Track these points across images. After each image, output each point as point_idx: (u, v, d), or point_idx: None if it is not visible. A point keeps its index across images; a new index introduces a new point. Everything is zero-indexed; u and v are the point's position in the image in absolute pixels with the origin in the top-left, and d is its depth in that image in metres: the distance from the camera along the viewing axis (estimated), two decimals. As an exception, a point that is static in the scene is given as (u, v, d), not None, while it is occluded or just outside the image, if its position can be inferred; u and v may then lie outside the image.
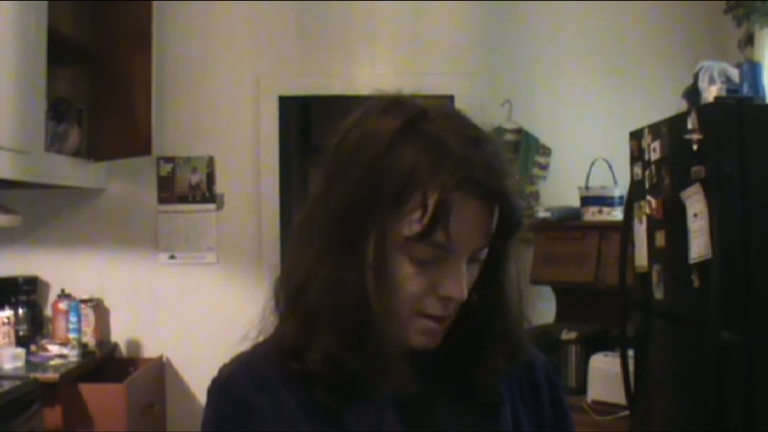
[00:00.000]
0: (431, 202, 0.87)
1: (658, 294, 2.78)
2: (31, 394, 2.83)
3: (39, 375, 3.02)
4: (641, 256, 2.91)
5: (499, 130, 3.90)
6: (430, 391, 0.96)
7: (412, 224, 0.88)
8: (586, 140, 3.87)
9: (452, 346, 0.97)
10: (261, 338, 1.00)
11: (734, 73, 2.80)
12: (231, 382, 0.96)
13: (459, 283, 0.90)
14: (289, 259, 0.98)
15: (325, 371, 0.90)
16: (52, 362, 3.26)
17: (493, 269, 0.96)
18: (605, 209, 3.54)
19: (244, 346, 1.01)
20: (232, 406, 0.94)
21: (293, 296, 0.95)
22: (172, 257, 3.90)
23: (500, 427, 0.97)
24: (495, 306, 0.96)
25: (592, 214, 3.57)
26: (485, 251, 0.93)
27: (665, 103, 3.20)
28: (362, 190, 0.90)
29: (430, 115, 0.92)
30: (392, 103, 0.95)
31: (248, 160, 3.92)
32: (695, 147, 2.45)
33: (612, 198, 3.55)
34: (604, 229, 3.46)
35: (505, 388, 1.00)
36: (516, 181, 0.92)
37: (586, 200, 3.61)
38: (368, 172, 0.90)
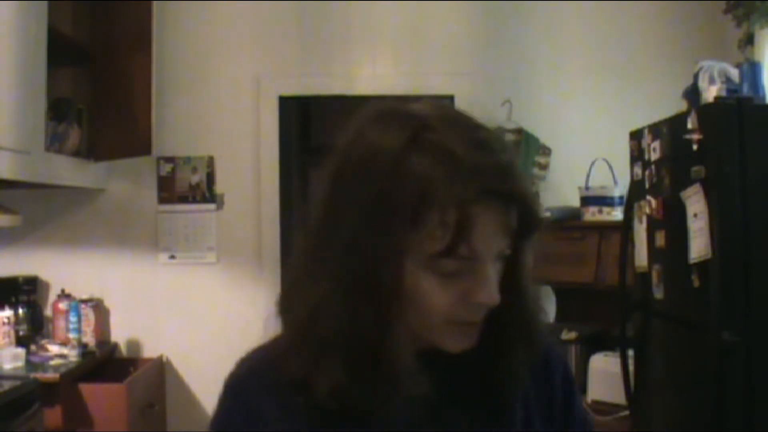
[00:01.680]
0: (451, 219, 0.84)
1: (658, 294, 2.78)
2: (31, 394, 2.83)
3: (39, 375, 3.02)
4: (641, 256, 2.91)
5: (499, 130, 3.89)
6: (441, 390, 0.95)
7: (433, 242, 0.86)
8: (586, 140, 3.88)
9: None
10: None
11: (734, 73, 2.80)
12: (242, 387, 0.95)
13: (489, 289, 0.89)
14: (295, 283, 0.95)
15: (331, 405, 0.89)
16: (52, 362, 3.26)
17: (512, 265, 0.94)
18: (605, 209, 3.54)
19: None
20: (239, 412, 0.94)
21: (303, 327, 0.92)
22: (172, 257, 3.90)
23: (510, 426, 0.97)
24: (515, 301, 0.95)
25: (592, 214, 3.58)
26: (508, 248, 0.92)
27: (665, 103, 3.19)
28: (376, 214, 0.87)
29: (432, 123, 0.89)
30: (391, 115, 0.91)
31: (248, 160, 3.92)
32: (695, 147, 2.45)
33: (612, 198, 3.55)
34: (604, 229, 3.46)
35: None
36: (528, 178, 0.91)
37: (586, 200, 3.62)
38: (380, 194, 0.86)
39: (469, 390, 0.97)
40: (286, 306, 0.96)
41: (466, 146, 0.86)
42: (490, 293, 0.89)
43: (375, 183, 0.87)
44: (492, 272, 0.89)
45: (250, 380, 0.95)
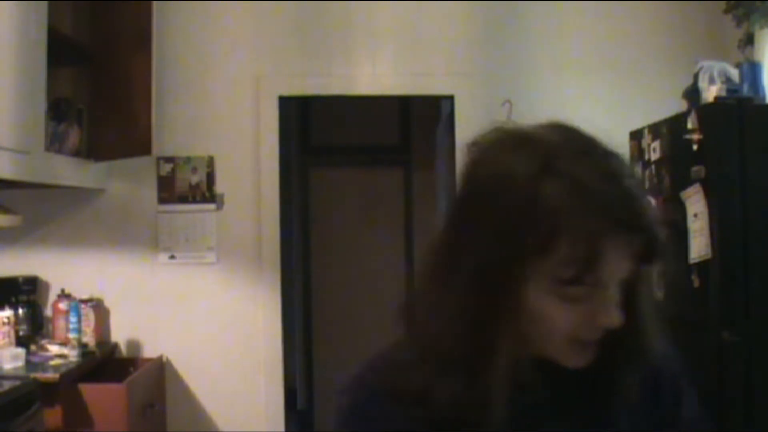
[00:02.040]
0: (580, 249, 0.86)
1: (658, 294, 2.77)
2: (31, 394, 2.82)
3: (39, 375, 3.01)
4: (641, 256, 2.90)
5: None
6: (550, 399, 0.97)
7: (561, 269, 0.88)
8: (586, 140, 3.87)
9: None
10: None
11: (734, 73, 2.80)
12: (365, 391, 0.99)
13: (612, 313, 0.91)
14: (420, 297, 0.99)
15: (450, 416, 0.92)
16: (52, 362, 3.26)
17: (632, 286, 0.96)
18: (605, 209, 3.54)
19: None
20: (361, 415, 0.98)
21: (426, 343, 0.95)
22: (172, 257, 3.90)
23: (615, 428, 1.00)
24: (631, 321, 0.96)
25: (592, 214, 3.57)
26: (631, 273, 0.94)
27: (665, 103, 3.20)
28: (506, 240, 0.89)
29: (562, 151, 0.90)
30: (520, 140, 0.93)
31: (248, 160, 3.92)
32: (695, 147, 2.45)
33: (612, 198, 3.55)
34: (604, 229, 3.45)
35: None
36: (654, 208, 0.92)
37: (586, 200, 3.61)
38: (511, 220, 0.88)
39: (576, 400, 0.99)
40: (409, 318, 0.99)
41: (597, 177, 0.88)
42: (612, 317, 0.91)
43: (505, 209, 0.89)
44: (615, 297, 0.91)
45: (374, 387, 0.98)
